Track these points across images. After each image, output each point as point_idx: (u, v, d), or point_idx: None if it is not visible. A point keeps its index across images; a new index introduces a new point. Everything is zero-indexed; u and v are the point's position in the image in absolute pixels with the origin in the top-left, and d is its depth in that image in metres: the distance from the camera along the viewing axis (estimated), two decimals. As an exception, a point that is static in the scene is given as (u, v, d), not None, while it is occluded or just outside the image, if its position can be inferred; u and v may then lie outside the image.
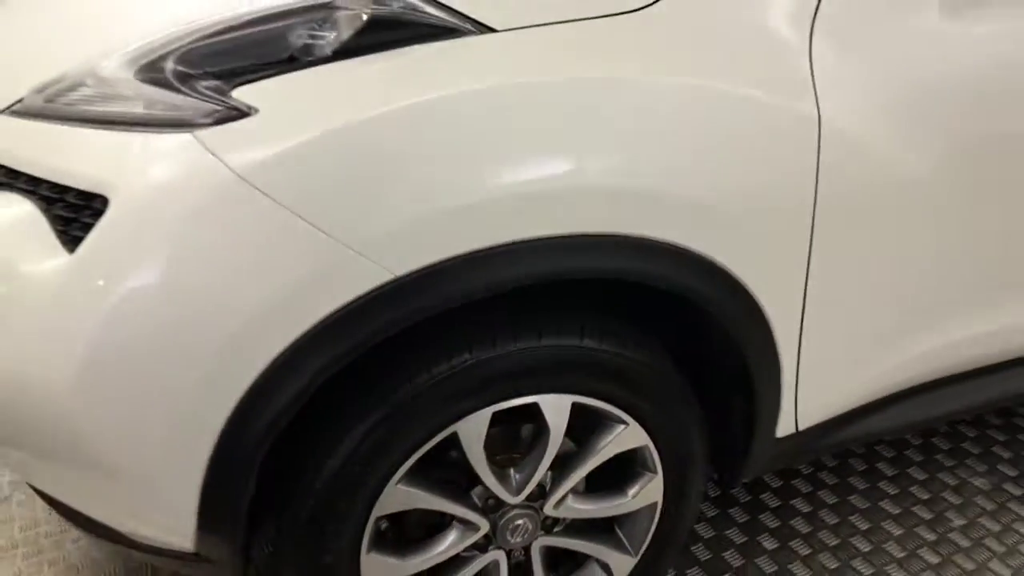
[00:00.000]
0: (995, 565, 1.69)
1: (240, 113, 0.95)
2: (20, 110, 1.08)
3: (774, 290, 1.21)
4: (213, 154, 0.93)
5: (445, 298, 1.01)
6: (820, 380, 1.35)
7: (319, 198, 0.94)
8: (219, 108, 0.96)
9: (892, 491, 1.87)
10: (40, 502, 1.52)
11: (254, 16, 1.04)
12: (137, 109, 1.00)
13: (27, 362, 0.99)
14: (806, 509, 1.82)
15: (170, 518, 1.08)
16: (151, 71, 1.02)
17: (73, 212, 0.99)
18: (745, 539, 1.73)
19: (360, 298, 0.97)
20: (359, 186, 0.95)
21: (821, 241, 1.21)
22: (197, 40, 1.03)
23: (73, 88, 1.05)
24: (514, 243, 1.01)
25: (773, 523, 1.78)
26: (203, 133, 0.94)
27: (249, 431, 1.01)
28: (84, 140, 1.00)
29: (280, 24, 1.03)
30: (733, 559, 1.68)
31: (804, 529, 1.76)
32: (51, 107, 1.05)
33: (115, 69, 1.04)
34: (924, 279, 1.35)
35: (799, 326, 1.27)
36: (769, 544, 1.72)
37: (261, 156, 0.93)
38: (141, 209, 0.94)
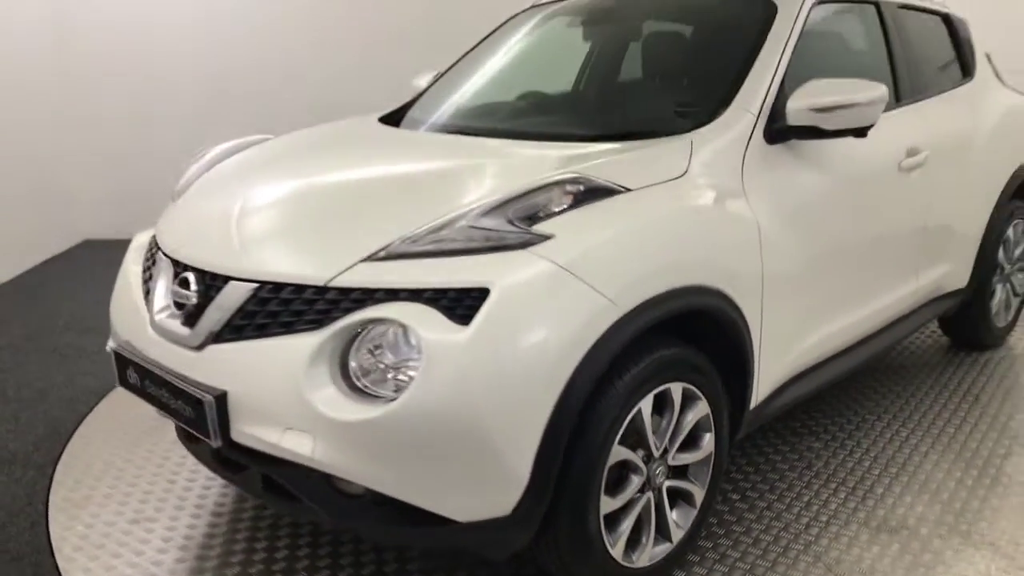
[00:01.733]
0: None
1: (545, 237, 1.88)
2: (391, 253, 1.91)
3: (751, 309, 2.30)
4: (548, 259, 1.85)
5: (644, 322, 1.96)
6: (767, 367, 2.42)
7: (596, 274, 1.88)
8: (531, 235, 1.89)
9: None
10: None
11: (520, 192, 2.01)
12: (477, 244, 1.90)
13: (471, 394, 1.77)
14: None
15: (505, 488, 1.84)
16: (477, 222, 1.94)
17: (455, 303, 1.81)
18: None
19: (613, 324, 1.90)
20: (616, 266, 1.93)
21: (767, 282, 2.33)
22: (494, 206, 1.96)
23: (435, 233, 1.93)
24: (672, 289, 2.03)
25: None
26: (533, 248, 1.86)
27: (567, 408, 1.85)
28: (459, 262, 1.87)
29: (536, 195, 2.00)
30: None
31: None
32: (418, 248, 1.91)
33: (460, 223, 1.94)
34: (822, 296, 2.62)
35: (760, 330, 2.35)
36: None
37: (572, 255, 1.87)
38: (513, 291, 1.81)
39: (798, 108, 2.43)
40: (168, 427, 2.87)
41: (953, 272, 3.44)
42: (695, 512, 2.30)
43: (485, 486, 1.86)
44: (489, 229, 1.92)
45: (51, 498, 2.67)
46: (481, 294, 1.81)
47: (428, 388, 1.77)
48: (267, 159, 2.74)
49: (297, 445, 1.86)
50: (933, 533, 2.49)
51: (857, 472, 2.82)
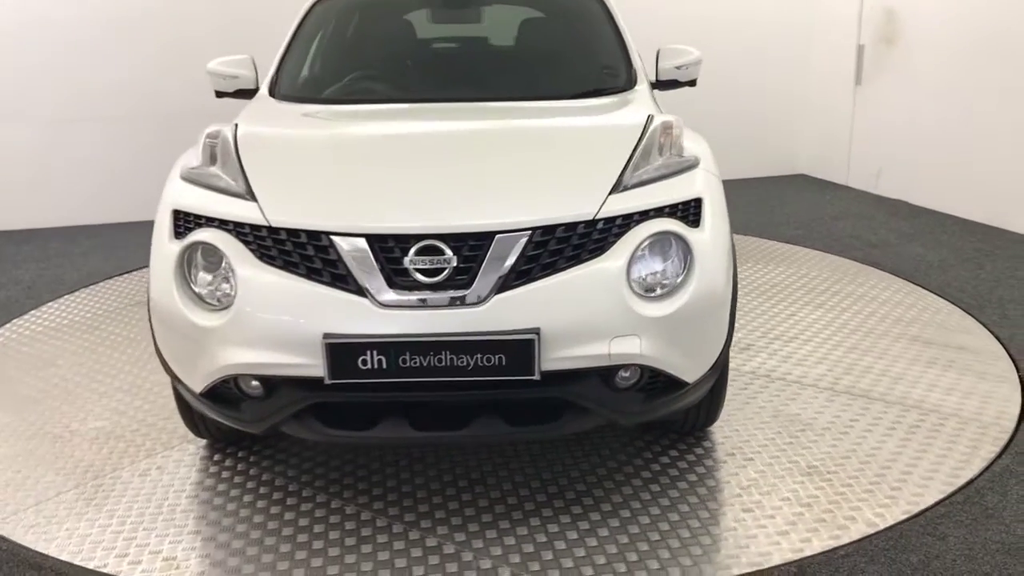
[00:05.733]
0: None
1: (697, 158, 2.69)
2: (626, 186, 2.49)
3: None
4: (711, 172, 2.71)
5: None
6: None
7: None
8: (693, 158, 2.69)
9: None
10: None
11: (652, 132, 2.76)
12: (672, 170, 2.61)
13: None
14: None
15: (716, 348, 2.63)
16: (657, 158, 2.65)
17: (685, 213, 2.48)
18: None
19: None
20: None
21: None
22: (649, 145, 2.70)
23: (642, 169, 2.58)
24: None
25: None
26: (701, 166, 2.68)
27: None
28: (670, 184, 2.54)
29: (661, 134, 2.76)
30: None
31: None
32: (639, 179, 2.53)
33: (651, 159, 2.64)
34: None
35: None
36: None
37: (710, 166, 2.74)
38: (710, 196, 2.56)
39: (666, 67, 3.56)
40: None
41: None
42: None
43: (713, 348, 2.56)
44: (669, 159, 2.62)
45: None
46: (696, 203, 2.51)
47: (701, 278, 2.41)
48: (364, 131, 3.07)
49: (627, 348, 2.32)
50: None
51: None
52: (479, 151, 2.82)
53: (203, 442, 3.16)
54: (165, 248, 2.52)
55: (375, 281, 2.31)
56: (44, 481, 2.94)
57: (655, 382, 2.48)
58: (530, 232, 2.33)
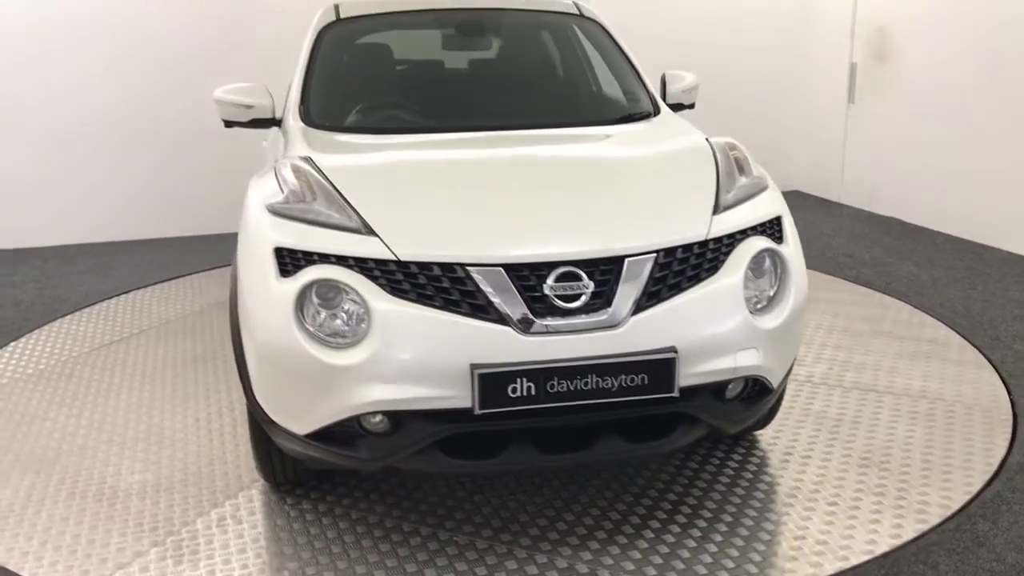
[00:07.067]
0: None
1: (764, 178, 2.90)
2: (723, 207, 2.66)
3: None
4: (777, 190, 2.88)
5: None
6: None
7: None
8: (763, 178, 2.91)
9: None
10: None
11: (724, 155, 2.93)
12: (752, 190, 2.81)
13: None
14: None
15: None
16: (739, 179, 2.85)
17: (770, 230, 2.72)
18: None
19: None
20: None
21: None
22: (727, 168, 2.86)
23: (731, 191, 2.74)
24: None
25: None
26: (771, 186, 2.90)
27: None
28: (756, 203, 2.74)
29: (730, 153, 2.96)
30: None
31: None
32: (732, 200, 2.71)
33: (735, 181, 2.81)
34: None
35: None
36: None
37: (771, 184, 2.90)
38: (786, 214, 2.82)
39: (673, 91, 3.73)
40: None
41: None
42: None
43: (793, 353, 2.80)
44: (750, 179, 2.81)
45: None
46: (778, 220, 2.74)
47: (796, 290, 2.63)
48: (451, 159, 3.04)
49: (750, 360, 2.50)
50: None
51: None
52: (573, 178, 2.89)
53: (260, 486, 3.04)
54: (274, 288, 2.43)
55: (518, 309, 2.34)
56: (113, 544, 2.74)
57: (752, 390, 2.64)
58: (656, 254, 2.44)
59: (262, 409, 2.59)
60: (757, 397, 2.67)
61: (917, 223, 6.56)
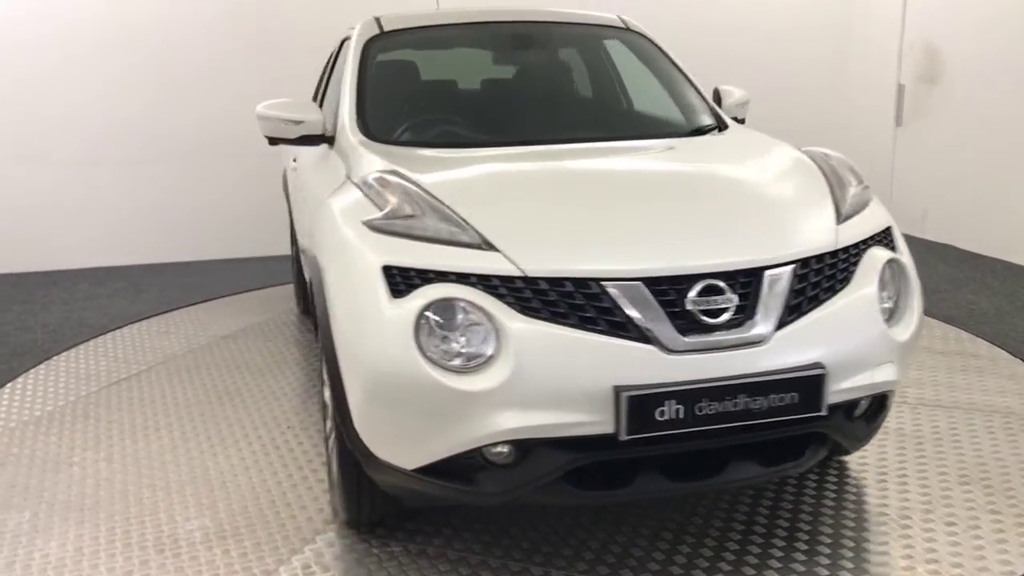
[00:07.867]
0: None
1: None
2: (844, 217, 2.56)
3: None
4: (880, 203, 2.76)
5: None
6: None
7: None
8: (868, 190, 2.74)
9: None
10: None
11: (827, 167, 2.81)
12: (862, 201, 2.69)
13: None
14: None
15: None
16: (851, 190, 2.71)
17: (882, 240, 2.60)
18: None
19: None
20: None
21: None
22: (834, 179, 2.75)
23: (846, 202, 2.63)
24: None
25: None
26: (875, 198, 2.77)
27: None
28: (869, 213, 2.65)
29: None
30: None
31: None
32: (849, 210, 2.59)
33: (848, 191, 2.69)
34: None
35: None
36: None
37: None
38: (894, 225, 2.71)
39: (728, 105, 3.59)
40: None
41: None
42: None
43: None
44: (859, 189, 2.69)
45: None
46: (889, 229, 2.64)
47: (920, 300, 2.54)
48: (554, 171, 2.85)
49: (887, 375, 2.41)
50: None
51: None
52: (685, 189, 2.74)
53: (336, 529, 2.79)
54: (386, 311, 2.21)
55: (662, 326, 2.17)
56: (192, 599, 2.46)
57: (872, 407, 2.51)
58: (793, 265, 2.31)
59: (362, 443, 2.36)
60: (875, 414, 2.55)
61: (970, 249, 6.36)
